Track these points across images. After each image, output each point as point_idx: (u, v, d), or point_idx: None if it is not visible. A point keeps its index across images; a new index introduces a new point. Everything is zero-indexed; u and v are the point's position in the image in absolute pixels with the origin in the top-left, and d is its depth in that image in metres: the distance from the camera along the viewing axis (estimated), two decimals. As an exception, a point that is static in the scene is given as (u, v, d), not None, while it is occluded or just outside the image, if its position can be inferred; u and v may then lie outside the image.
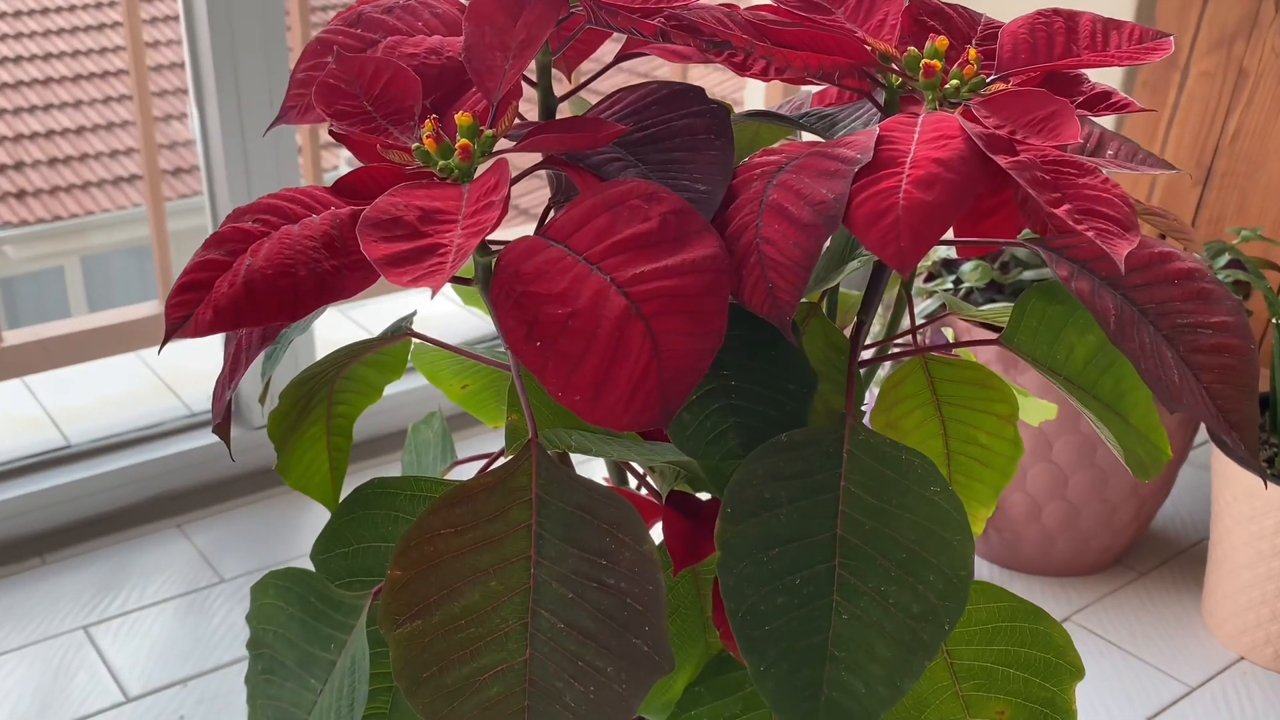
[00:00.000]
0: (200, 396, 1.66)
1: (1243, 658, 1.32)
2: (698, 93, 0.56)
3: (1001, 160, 0.47)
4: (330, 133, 0.57)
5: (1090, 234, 0.46)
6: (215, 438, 1.60)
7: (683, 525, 0.59)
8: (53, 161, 4.94)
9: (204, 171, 1.49)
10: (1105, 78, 1.75)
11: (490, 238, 0.55)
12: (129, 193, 4.91)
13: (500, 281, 0.46)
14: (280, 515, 1.53)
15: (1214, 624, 1.35)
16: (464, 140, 0.50)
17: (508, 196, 0.45)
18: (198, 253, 0.47)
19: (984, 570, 1.47)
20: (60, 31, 5.24)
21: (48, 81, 5.10)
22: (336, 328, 1.96)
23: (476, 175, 0.50)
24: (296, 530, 1.52)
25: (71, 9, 5.30)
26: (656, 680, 0.48)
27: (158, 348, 0.44)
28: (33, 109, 5.03)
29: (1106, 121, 1.73)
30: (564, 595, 0.48)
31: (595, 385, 0.45)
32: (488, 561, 0.49)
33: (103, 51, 5.18)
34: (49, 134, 4.99)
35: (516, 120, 0.61)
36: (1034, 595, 1.42)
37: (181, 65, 1.33)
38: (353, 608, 0.60)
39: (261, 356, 0.63)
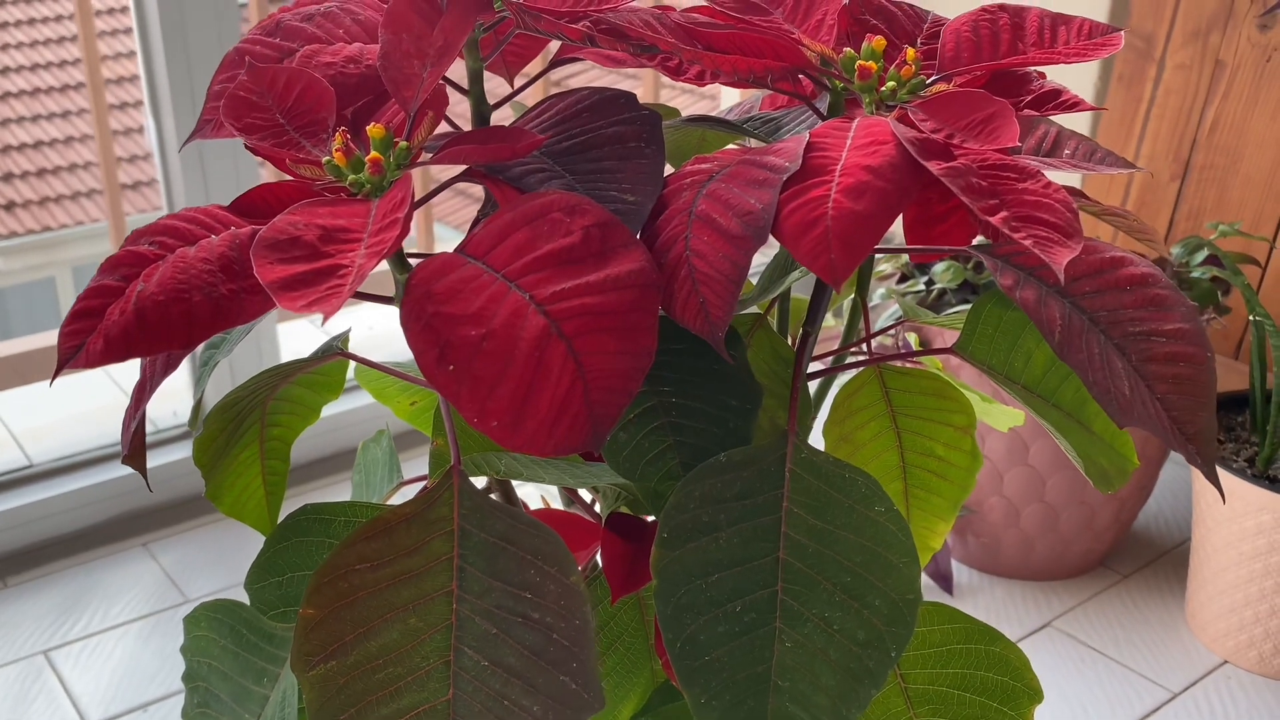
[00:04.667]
0: (165, 412, 1.64)
1: (1226, 661, 1.30)
2: (629, 99, 0.54)
3: (934, 166, 0.44)
4: (246, 147, 0.55)
5: (1028, 242, 0.44)
6: (181, 454, 1.57)
7: (622, 549, 0.56)
8: (41, 172, 4.92)
9: (162, 182, 1.46)
10: (1081, 72, 1.73)
11: (413, 253, 0.53)
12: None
13: (411, 302, 0.43)
14: (248, 534, 1.50)
15: (1197, 627, 1.33)
16: (374, 153, 0.47)
17: (409, 215, 0.43)
18: (93, 278, 0.45)
19: (964, 575, 1.45)
20: (47, 42, 5.22)
21: (35, 93, 5.08)
22: (308, 340, 1.93)
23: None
24: (265, 547, 1.49)
25: (59, 19, 5.29)
26: (587, 719, 0.46)
27: (51, 377, 0.42)
28: (20, 120, 5.01)
29: (1082, 119, 1.71)
30: (488, 631, 0.46)
31: (514, 410, 0.43)
32: (407, 597, 0.46)
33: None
34: (37, 145, 4.97)
35: (446, 130, 0.59)
36: (1014, 599, 1.40)
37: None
38: (284, 640, 0.58)
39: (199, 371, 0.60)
